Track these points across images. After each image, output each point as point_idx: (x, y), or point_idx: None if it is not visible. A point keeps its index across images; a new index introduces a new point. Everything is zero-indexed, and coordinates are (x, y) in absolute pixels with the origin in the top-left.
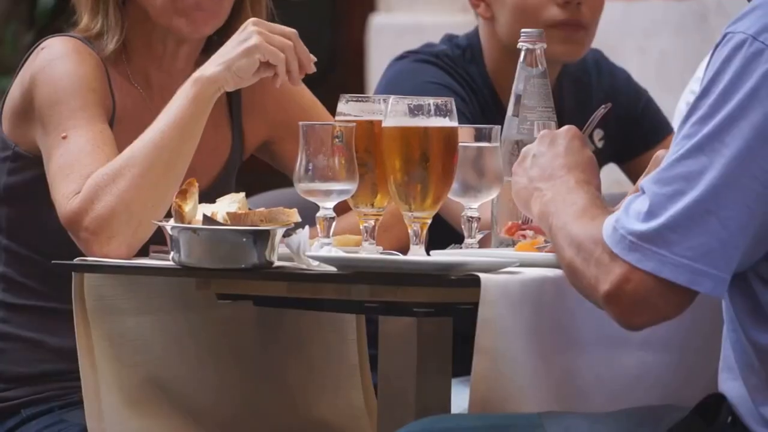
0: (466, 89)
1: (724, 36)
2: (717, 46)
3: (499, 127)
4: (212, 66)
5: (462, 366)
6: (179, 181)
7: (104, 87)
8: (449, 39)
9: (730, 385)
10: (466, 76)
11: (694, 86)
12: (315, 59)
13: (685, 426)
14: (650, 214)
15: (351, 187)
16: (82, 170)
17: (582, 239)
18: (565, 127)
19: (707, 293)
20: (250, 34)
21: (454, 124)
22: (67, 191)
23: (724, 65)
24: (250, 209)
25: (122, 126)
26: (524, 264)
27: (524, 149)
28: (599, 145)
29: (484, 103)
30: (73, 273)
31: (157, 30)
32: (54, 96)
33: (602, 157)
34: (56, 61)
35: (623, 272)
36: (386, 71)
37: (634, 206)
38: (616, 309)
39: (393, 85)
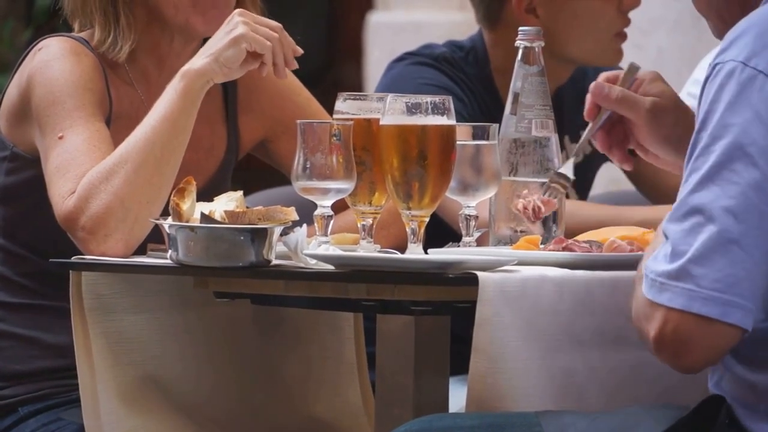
0: (466, 91)
1: (713, 68)
2: (707, 79)
3: (497, 125)
4: (200, 59)
5: (459, 364)
6: (173, 177)
7: (101, 87)
8: (451, 43)
9: (726, 387)
10: (465, 78)
11: (691, 88)
12: (301, 51)
13: (684, 426)
14: (674, 252)
15: (349, 185)
16: (78, 170)
17: (636, 296)
18: None
19: (738, 324)
20: (236, 24)
21: (452, 122)
22: (63, 191)
23: (718, 94)
24: (247, 207)
25: (119, 125)
26: (522, 262)
27: None
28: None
29: (483, 106)
30: (70, 271)
31: (167, 29)
32: (51, 96)
33: (600, 158)
34: (53, 61)
35: (662, 315)
36: (385, 74)
37: (661, 250)
38: (665, 354)
39: (392, 87)
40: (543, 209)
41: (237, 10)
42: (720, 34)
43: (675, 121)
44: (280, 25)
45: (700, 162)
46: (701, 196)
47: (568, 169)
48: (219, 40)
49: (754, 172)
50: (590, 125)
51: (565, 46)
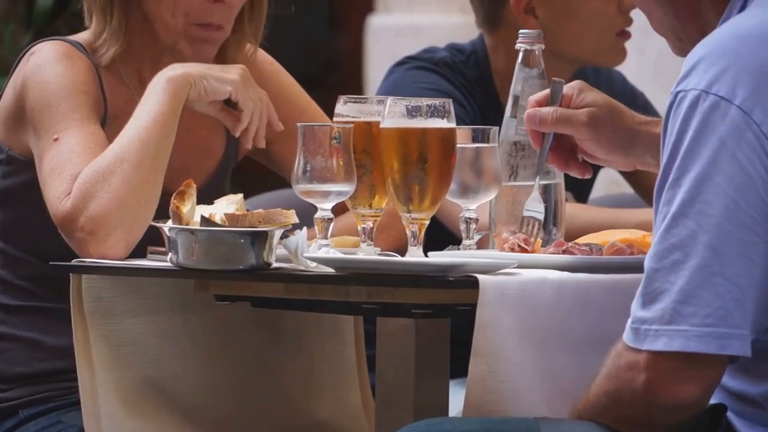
0: (466, 95)
1: (676, 96)
2: (670, 106)
3: (497, 128)
4: (189, 67)
5: (459, 367)
6: (162, 177)
7: (95, 89)
8: (452, 47)
9: (717, 397)
10: (465, 82)
11: None
12: (282, 128)
13: None
14: (656, 292)
15: (349, 188)
16: (73, 171)
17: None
18: None
19: (738, 354)
20: (234, 70)
21: (452, 125)
22: (58, 192)
23: (684, 125)
24: (248, 210)
25: (115, 126)
26: (522, 265)
27: None
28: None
29: (484, 110)
30: (70, 274)
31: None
32: (45, 99)
33: None
34: (47, 65)
35: (650, 360)
36: (385, 78)
37: (639, 293)
38: (663, 395)
39: (392, 92)
40: (526, 246)
41: (240, 65)
42: (679, 52)
43: (614, 128)
44: (267, 98)
45: (671, 194)
46: (677, 233)
47: (535, 203)
48: (214, 70)
49: (725, 201)
50: (539, 152)
51: (565, 45)
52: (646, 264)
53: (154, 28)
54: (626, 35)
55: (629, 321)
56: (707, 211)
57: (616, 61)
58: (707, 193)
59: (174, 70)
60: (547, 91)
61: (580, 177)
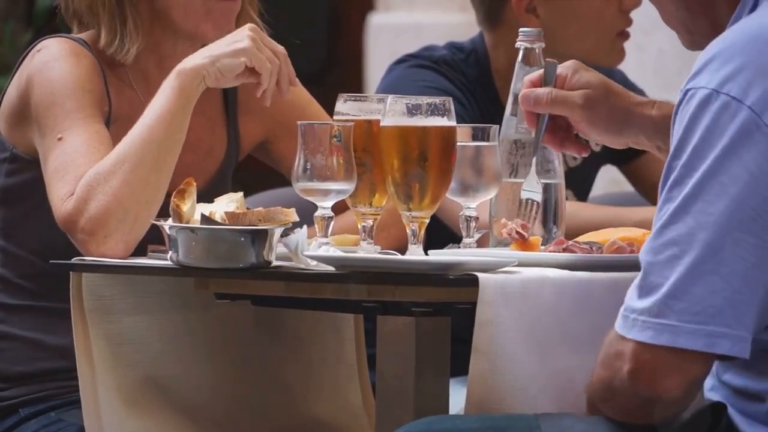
0: (466, 94)
1: (686, 93)
2: (680, 103)
3: (497, 126)
4: (197, 58)
5: (460, 365)
6: (170, 176)
7: (100, 88)
8: (452, 45)
9: (721, 394)
10: (465, 80)
11: None
12: (299, 83)
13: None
14: (649, 286)
15: (349, 186)
16: (77, 171)
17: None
18: None
19: (728, 353)
20: (243, 37)
21: (452, 123)
22: (62, 193)
23: (692, 123)
24: (248, 209)
25: (118, 126)
26: (522, 264)
27: None
28: (596, 148)
29: (484, 108)
30: (70, 273)
31: (169, 31)
32: (50, 98)
33: (600, 160)
34: (52, 62)
35: (636, 349)
36: (385, 76)
37: (635, 284)
38: (643, 385)
39: (392, 90)
40: (524, 232)
41: (249, 25)
42: (689, 45)
43: (609, 109)
44: (285, 51)
45: (675, 192)
46: (676, 228)
47: (532, 183)
48: (223, 45)
49: (727, 201)
50: (534, 133)
51: (565, 45)
52: (642, 257)
53: (170, 17)
54: (625, 36)
55: (622, 308)
56: (708, 209)
57: (615, 62)
58: (710, 192)
59: (184, 63)
60: (541, 71)
61: (577, 155)
